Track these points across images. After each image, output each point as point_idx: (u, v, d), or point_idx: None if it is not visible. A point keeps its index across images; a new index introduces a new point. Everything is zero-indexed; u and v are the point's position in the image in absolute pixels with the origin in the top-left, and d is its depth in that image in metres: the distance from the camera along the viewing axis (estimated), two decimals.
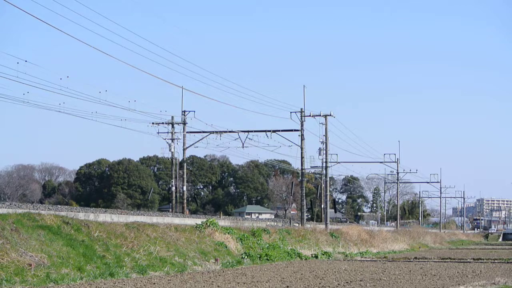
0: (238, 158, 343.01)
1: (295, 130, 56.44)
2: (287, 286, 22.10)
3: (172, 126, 58.22)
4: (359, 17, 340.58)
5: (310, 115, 56.74)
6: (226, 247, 33.74)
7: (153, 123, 57.19)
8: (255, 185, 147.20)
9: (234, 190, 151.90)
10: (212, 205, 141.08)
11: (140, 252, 26.42)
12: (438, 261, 39.42)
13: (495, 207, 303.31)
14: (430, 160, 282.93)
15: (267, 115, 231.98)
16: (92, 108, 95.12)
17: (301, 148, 56.55)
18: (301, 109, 56.31)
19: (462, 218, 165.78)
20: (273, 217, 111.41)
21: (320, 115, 57.27)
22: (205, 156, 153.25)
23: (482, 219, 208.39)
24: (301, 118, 56.03)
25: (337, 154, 66.77)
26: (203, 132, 58.66)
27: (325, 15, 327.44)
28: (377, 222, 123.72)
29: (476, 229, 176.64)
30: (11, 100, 43.40)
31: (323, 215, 64.22)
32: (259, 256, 35.12)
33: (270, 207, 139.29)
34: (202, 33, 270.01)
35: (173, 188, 60.66)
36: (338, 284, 22.91)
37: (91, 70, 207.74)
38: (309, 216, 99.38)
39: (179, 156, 60.42)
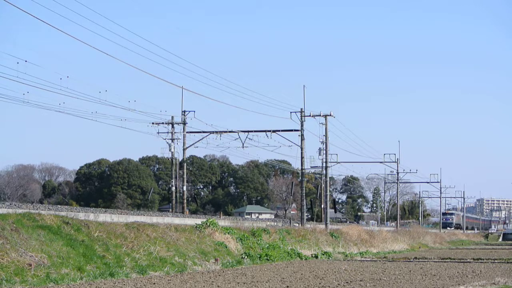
0: (238, 158, 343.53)
1: (295, 130, 56.45)
2: (287, 286, 22.10)
3: (172, 126, 58.22)
4: (358, 17, 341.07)
5: (310, 115, 56.74)
6: (226, 247, 33.73)
7: (153, 123, 57.19)
8: (255, 185, 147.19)
9: (234, 190, 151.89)
10: (212, 205, 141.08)
11: (140, 252, 26.42)
12: (438, 261, 39.42)
13: (495, 207, 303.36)
14: (430, 160, 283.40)
15: (267, 115, 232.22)
16: (92, 108, 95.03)
17: (301, 148, 56.54)
18: (301, 109, 56.32)
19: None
20: (273, 217, 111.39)
21: (320, 115, 57.27)
22: (205, 156, 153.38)
23: (453, 214, 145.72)
24: (301, 118, 56.02)
25: (337, 154, 66.83)
26: (203, 132, 58.69)
27: (325, 15, 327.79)
28: (377, 222, 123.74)
29: (448, 227, 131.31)
30: (11, 100, 43.44)
31: (323, 215, 64.20)
32: (259, 256, 35.11)
33: (270, 207, 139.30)
34: (202, 33, 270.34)
35: (173, 188, 60.65)
36: (338, 284, 22.91)
37: (91, 70, 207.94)
38: (309, 216, 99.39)
39: (179, 156, 60.48)
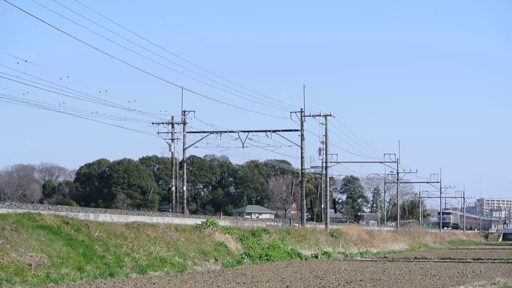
0: (238, 158, 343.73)
1: (295, 130, 56.43)
2: (287, 286, 22.10)
3: (172, 126, 58.21)
4: (359, 17, 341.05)
5: (310, 115, 56.71)
6: (226, 247, 33.74)
7: (153, 123, 57.18)
8: (255, 185, 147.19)
9: (234, 190, 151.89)
10: (212, 205, 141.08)
11: (140, 252, 26.41)
12: (438, 261, 39.42)
13: (495, 207, 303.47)
14: (430, 160, 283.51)
15: (267, 115, 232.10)
16: (92, 108, 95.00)
17: (301, 148, 56.53)
18: (301, 109, 56.31)
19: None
20: (273, 217, 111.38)
21: (320, 115, 57.24)
22: (205, 156, 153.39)
23: (451, 214, 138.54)
24: (301, 118, 56.00)
25: (337, 154, 66.84)
26: (203, 132, 58.67)
27: (325, 15, 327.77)
28: (377, 222, 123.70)
29: (445, 227, 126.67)
30: (11, 100, 43.41)
31: (323, 215, 64.20)
32: (259, 256, 35.11)
33: (270, 207, 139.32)
34: (202, 33, 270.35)
35: (173, 188, 60.63)
36: (338, 284, 22.91)
37: (91, 70, 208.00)
38: (309, 216, 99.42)
39: (179, 156, 60.47)
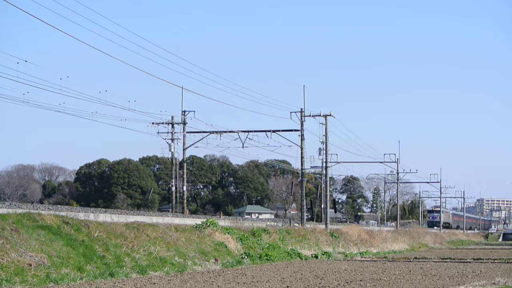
0: (238, 158, 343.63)
1: (295, 130, 56.43)
2: (287, 286, 22.10)
3: (172, 126, 58.20)
4: (359, 17, 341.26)
5: (310, 115, 56.71)
6: (226, 247, 33.74)
7: (153, 123, 57.18)
8: (255, 185, 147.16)
9: (234, 190, 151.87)
10: (212, 205, 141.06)
11: (140, 252, 26.41)
12: (438, 261, 39.42)
13: (495, 207, 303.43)
14: (430, 160, 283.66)
15: (267, 115, 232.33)
16: (92, 108, 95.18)
17: (301, 148, 56.52)
18: (301, 109, 56.31)
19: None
20: (273, 217, 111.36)
21: (320, 115, 57.24)
22: (205, 156, 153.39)
23: (441, 212, 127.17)
24: (301, 118, 56.00)
25: (337, 154, 66.90)
26: (203, 132, 58.67)
27: (325, 15, 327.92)
28: (377, 222, 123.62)
29: (435, 226, 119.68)
30: (11, 100, 43.46)
31: (323, 215, 64.19)
32: (259, 256, 35.11)
33: (270, 207, 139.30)
34: (202, 33, 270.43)
35: (173, 188, 60.63)
36: (338, 284, 22.91)
37: (91, 70, 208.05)
38: (309, 216, 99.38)
39: (179, 156, 60.47)
